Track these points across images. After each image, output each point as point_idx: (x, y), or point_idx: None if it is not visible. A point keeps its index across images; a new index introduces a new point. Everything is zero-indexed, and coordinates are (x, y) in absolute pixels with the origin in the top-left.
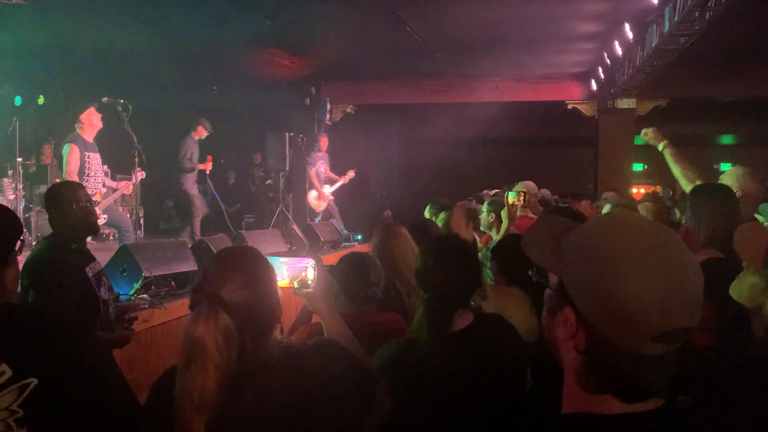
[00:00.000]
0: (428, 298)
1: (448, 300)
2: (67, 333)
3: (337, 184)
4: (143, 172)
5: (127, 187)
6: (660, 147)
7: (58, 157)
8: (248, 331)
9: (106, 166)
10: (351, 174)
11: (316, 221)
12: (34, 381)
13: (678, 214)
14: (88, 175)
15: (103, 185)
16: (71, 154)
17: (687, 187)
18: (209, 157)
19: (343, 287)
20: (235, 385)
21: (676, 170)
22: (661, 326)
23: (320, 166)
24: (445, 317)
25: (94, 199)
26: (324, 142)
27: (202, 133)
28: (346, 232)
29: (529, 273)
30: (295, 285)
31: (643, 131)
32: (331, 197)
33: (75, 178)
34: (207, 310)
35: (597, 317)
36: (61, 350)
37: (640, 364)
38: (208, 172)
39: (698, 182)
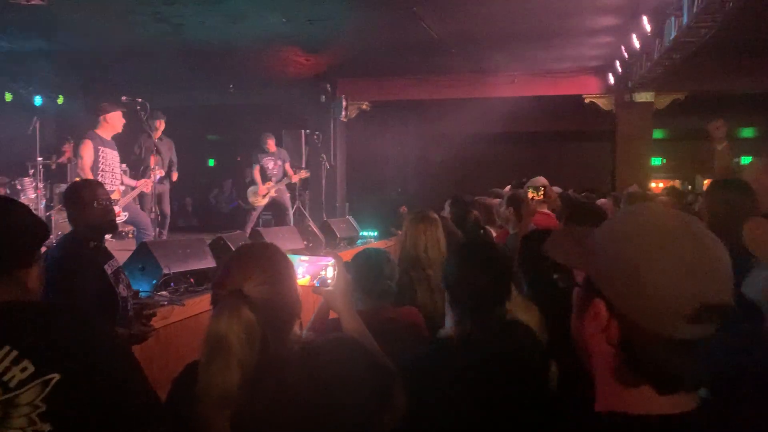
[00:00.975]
0: (455, 300)
1: (476, 304)
2: (88, 329)
3: (284, 180)
4: (162, 170)
5: (146, 185)
6: (720, 147)
7: (77, 155)
8: (269, 326)
9: (124, 165)
10: (302, 174)
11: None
12: (57, 376)
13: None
14: (103, 171)
15: (122, 183)
16: (84, 148)
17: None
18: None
19: (359, 282)
20: (256, 380)
21: (719, 169)
22: (693, 304)
23: (267, 162)
24: (477, 320)
25: (112, 197)
26: (269, 143)
27: (158, 126)
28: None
29: (554, 277)
30: (316, 284)
31: (715, 125)
32: (274, 194)
33: (88, 172)
34: (230, 305)
35: (628, 304)
36: (82, 346)
37: (675, 350)
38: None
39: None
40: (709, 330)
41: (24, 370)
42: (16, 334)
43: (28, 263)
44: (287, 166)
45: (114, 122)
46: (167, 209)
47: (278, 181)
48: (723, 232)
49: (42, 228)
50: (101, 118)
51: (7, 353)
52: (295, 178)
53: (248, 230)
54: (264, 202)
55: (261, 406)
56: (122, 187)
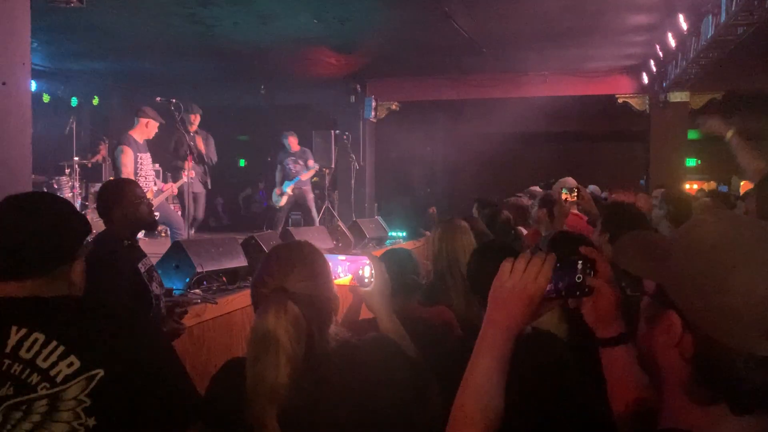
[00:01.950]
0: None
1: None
2: (132, 326)
3: (294, 180)
4: (192, 172)
5: (172, 188)
6: (728, 135)
7: (112, 158)
8: (314, 321)
9: (157, 165)
10: (310, 172)
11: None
12: (101, 372)
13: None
14: (138, 176)
15: (155, 184)
16: (125, 156)
17: (755, 178)
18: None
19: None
20: (305, 377)
21: (744, 159)
22: None
23: (289, 163)
24: None
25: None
26: (292, 141)
27: (195, 121)
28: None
29: (622, 285)
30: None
31: (706, 123)
32: (291, 193)
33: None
34: (275, 302)
35: (705, 318)
36: (126, 343)
37: (756, 367)
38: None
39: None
40: None
41: (70, 365)
42: (64, 330)
43: (71, 258)
44: (310, 164)
45: (151, 129)
46: (201, 212)
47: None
48: None
49: (83, 223)
50: (142, 120)
51: (55, 348)
52: (305, 177)
53: (279, 230)
54: (284, 201)
55: (302, 401)
56: (155, 188)
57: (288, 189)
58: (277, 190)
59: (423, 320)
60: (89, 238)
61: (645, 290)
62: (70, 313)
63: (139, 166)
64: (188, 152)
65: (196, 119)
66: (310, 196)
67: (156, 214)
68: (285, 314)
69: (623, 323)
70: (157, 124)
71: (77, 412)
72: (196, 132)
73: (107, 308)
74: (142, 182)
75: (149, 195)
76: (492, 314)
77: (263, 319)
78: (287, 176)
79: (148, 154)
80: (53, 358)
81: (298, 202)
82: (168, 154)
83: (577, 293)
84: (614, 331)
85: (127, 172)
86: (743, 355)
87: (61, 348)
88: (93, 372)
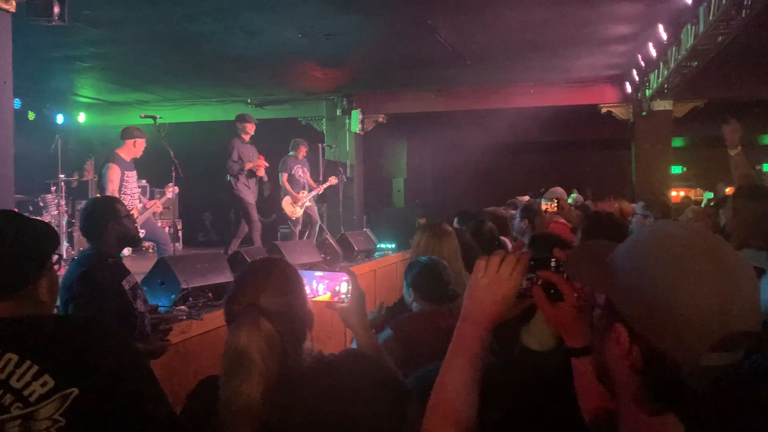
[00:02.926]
0: None
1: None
2: (107, 344)
3: (313, 193)
4: (176, 188)
5: (156, 205)
6: (733, 153)
7: (99, 175)
8: (288, 337)
9: (144, 181)
10: (332, 180)
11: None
12: (75, 390)
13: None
14: (124, 194)
15: (139, 201)
16: (112, 172)
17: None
18: (261, 157)
19: (420, 290)
20: (279, 394)
21: (737, 175)
22: (719, 332)
23: (297, 170)
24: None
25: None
26: (302, 150)
27: (249, 129)
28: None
29: (575, 296)
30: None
31: (731, 125)
32: (309, 203)
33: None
34: (249, 319)
35: (651, 330)
36: (101, 361)
37: (701, 378)
38: (263, 177)
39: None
40: (735, 357)
41: (44, 384)
42: (36, 348)
43: (39, 276)
44: (308, 176)
45: (139, 147)
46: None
47: (310, 191)
48: (752, 238)
49: (50, 239)
50: (130, 142)
51: (29, 368)
52: (321, 189)
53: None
54: (301, 212)
55: (277, 419)
56: (140, 205)
57: (307, 199)
58: (297, 197)
59: (444, 330)
60: (73, 256)
61: (596, 302)
62: (43, 332)
63: (125, 184)
64: (172, 167)
65: (251, 129)
66: (315, 209)
67: (141, 231)
68: (258, 331)
69: (589, 334)
70: (144, 140)
71: None
72: (250, 142)
73: (82, 326)
74: (127, 200)
75: (134, 212)
76: (466, 311)
77: (236, 336)
78: (296, 185)
79: (134, 172)
80: (27, 377)
81: (306, 213)
82: (233, 162)
83: (552, 291)
84: (579, 342)
85: (113, 188)
86: (689, 366)
87: (36, 367)
88: (67, 391)
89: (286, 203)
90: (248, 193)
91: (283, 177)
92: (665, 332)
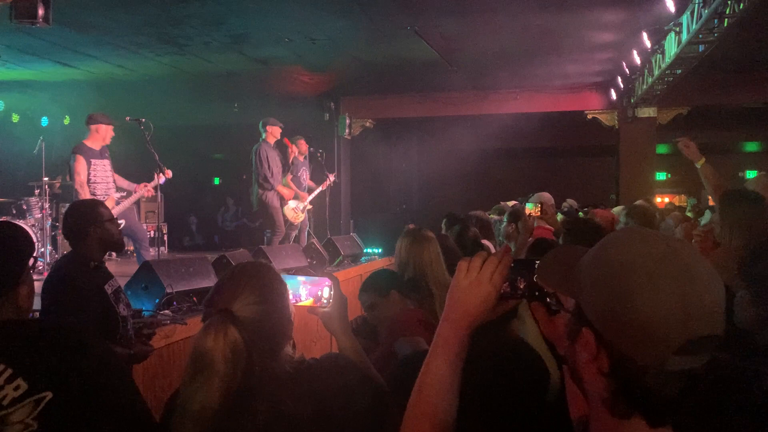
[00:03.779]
0: None
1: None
2: (82, 348)
3: (316, 192)
4: (169, 171)
5: (147, 189)
6: (698, 164)
7: (71, 171)
8: (258, 346)
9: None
10: (331, 178)
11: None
12: (49, 395)
13: (701, 221)
14: (95, 183)
15: (117, 190)
16: (78, 164)
17: (716, 194)
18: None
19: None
20: (245, 400)
21: (710, 187)
22: (682, 336)
23: (302, 173)
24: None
25: (107, 201)
26: (304, 145)
27: (275, 133)
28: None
29: (548, 301)
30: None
31: (681, 142)
32: (310, 206)
33: (85, 187)
34: (216, 324)
35: (616, 335)
36: (76, 365)
37: (666, 381)
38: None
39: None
40: (700, 361)
41: (17, 388)
42: (10, 352)
43: (17, 282)
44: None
45: (104, 134)
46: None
47: (311, 193)
48: (738, 243)
49: (28, 245)
50: (93, 128)
51: (2, 371)
52: (325, 185)
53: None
54: (303, 217)
55: (255, 426)
56: (117, 195)
57: (308, 202)
58: (304, 197)
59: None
60: (55, 259)
61: (565, 307)
62: (18, 336)
63: (93, 173)
64: (157, 170)
65: (277, 132)
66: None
67: (121, 221)
68: (224, 338)
69: None
70: (110, 127)
71: None
72: (275, 146)
73: (57, 330)
74: (99, 188)
75: (109, 201)
76: (448, 313)
77: (202, 340)
78: (299, 186)
79: (106, 161)
80: (0, 381)
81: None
82: (263, 168)
83: (536, 293)
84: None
85: (80, 180)
86: (653, 369)
87: (9, 371)
88: (41, 395)
89: (290, 209)
90: (275, 198)
91: (288, 178)
92: (629, 336)
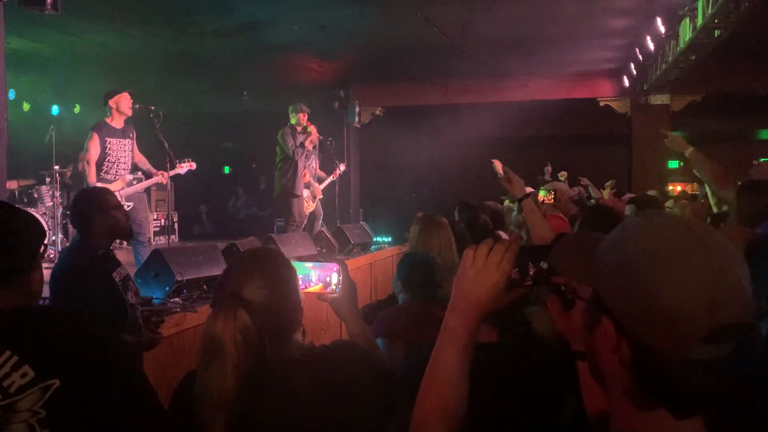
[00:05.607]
0: None
1: None
2: (90, 336)
3: (326, 182)
4: (193, 163)
5: (163, 176)
6: (687, 154)
7: (83, 148)
8: (269, 330)
9: (139, 172)
10: (342, 167)
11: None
12: (57, 382)
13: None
14: (109, 162)
15: (130, 171)
16: (91, 141)
17: (720, 192)
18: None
19: (409, 288)
20: (255, 386)
21: (705, 176)
22: (708, 324)
23: (312, 162)
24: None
25: (115, 184)
26: (314, 133)
27: (300, 119)
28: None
29: (561, 289)
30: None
31: (668, 137)
32: (321, 196)
33: (92, 165)
34: (226, 308)
35: (638, 324)
36: (83, 352)
37: (691, 371)
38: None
39: (730, 189)
40: (726, 349)
41: (24, 375)
42: (18, 339)
43: (29, 268)
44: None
45: (122, 106)
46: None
47: (321, 183)
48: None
49: (40, 231)
50: (111, 104)
51: (8, 359)
52: (336, 175)
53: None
54: (314, 207)
55: (265, 411)
56: (129, 177)
57: (319, 192)
58: (317, 189)
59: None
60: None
61: (582, 295)
62: (25, 323)
63: (109, 151)
64: (167, 159)
65: (303, 118)
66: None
67: (128, 204)
68: (234, 322)
69: None
70: (126, 95)
71: (31, 424)
72: (304, 131)
73: (65, 317)
74: (112, 168)
75: (119, 183)
76: (455, 302)
77: (212, 325)
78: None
79: (126, 140)
80: (6, 368)
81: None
82: (285, 155)
83: (547, 280)
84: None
85: (90, 157)
86: (678, 359)
87: (15, 358)
88: (48, 382)
89: (305, 199)
90: (298, 185)
91: (300, 166)
92: (653, 325)
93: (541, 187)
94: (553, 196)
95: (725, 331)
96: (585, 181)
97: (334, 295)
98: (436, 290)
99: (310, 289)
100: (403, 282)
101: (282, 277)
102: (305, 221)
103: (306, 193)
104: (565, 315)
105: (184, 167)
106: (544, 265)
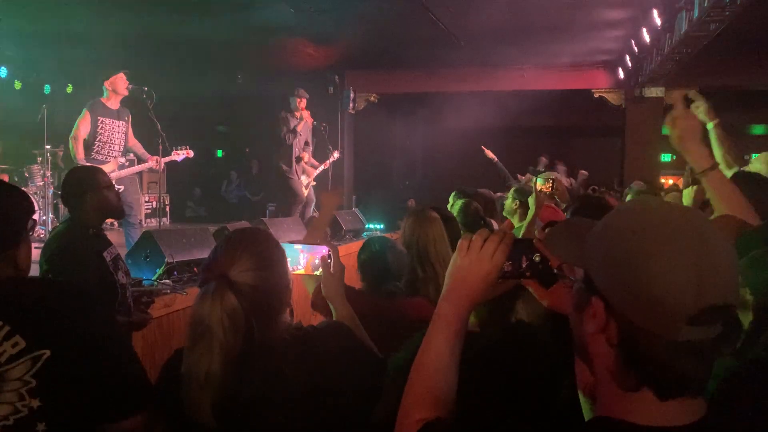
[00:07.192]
0: None
1: None
2: (82, 308)
3: (319, 170)
4: (190, 152)
5: (158, 162)
6: (710, 126)
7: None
8: (256, 312)
9: (131, 154)
10: (336, 155)
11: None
12: (47, 352)
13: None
14: (101, 141)
15: (123, 154)
16: (82, 120)
17: (725, 171)
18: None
19: (366, 279)
20: (243, 367)
21: (719, 153)
22: (695, 305)
23: (307, 146)
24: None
25: (107, 166)
26: (307, 114)
27: (297, 104)
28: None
29: (555, 272)
30: (317, 273)
31: (695, 103)
32: (314, 183)
33: (80, 143)
34: (213, 289)
35: (627, 305)
36: (74, 323)
37: (678, 352)
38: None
39: (735, 169)
40: (713, 332)
41: (15, 345)
42: (8, 309)
43: (16, 242)
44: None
45: (117, 86)
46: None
47: (315, 169)
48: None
49: (27, 205)
50: (106, 84)
51: None
52: (327, 164)
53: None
54: (307, 192)
55: (251, 392)
56: (122, 159)
57: (312, 179)
58: (312, 173)
59: (398, 313)
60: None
61: (573, 276)
62: (17, 293)
63: (100, 130)
64: (159, 140)
65: (301, 103)
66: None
67: (119, 187)
68: (221, 303)
69: None
70: (122, 75)
71: (21, 393)
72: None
73: (58, 289)
74: (104, 148)
75: (111, 165)
76: (448, 291)
77: (199, 307)
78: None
79: (120, 122)
80: None
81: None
82: (281, 139)
83: (540, 271)
84: None
85: (79, 135)
86: (665, 340)
87: (6, 328)
88: (39, 352)
89: (297, 180)
90: (290, 170)
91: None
92: (641, 305)
93: (539, 176)
94: (551, 185)
95: (712, 313)
96: (584, 173)
97: (326, 273)
98: (392, 283)
99: (299, 271)
100: (359, 270)
101: (270, 257)
102: (299, 206)
103: (304, 179)
104: (548, 292)
105: (180, 154)
106: (536, 257)
